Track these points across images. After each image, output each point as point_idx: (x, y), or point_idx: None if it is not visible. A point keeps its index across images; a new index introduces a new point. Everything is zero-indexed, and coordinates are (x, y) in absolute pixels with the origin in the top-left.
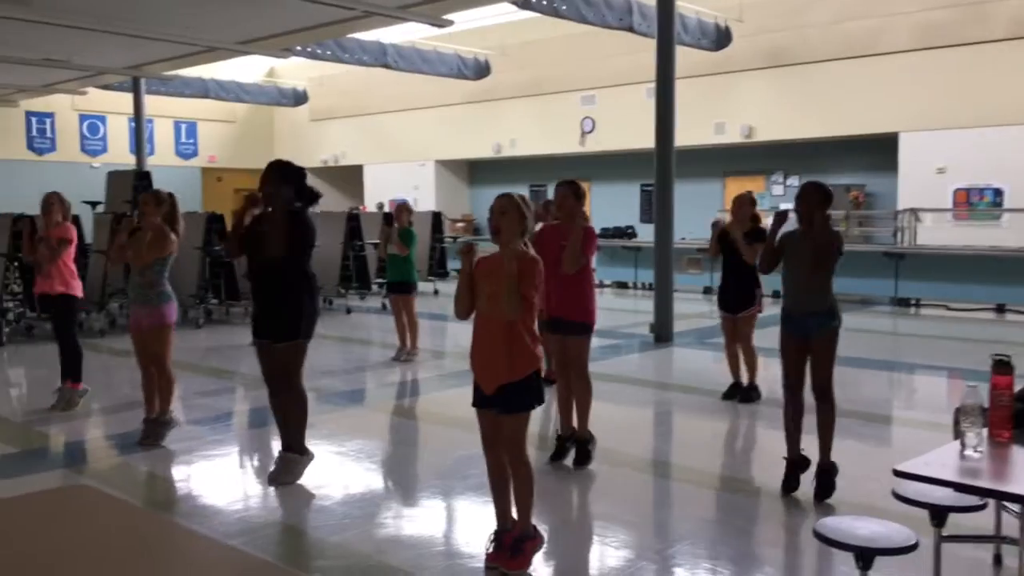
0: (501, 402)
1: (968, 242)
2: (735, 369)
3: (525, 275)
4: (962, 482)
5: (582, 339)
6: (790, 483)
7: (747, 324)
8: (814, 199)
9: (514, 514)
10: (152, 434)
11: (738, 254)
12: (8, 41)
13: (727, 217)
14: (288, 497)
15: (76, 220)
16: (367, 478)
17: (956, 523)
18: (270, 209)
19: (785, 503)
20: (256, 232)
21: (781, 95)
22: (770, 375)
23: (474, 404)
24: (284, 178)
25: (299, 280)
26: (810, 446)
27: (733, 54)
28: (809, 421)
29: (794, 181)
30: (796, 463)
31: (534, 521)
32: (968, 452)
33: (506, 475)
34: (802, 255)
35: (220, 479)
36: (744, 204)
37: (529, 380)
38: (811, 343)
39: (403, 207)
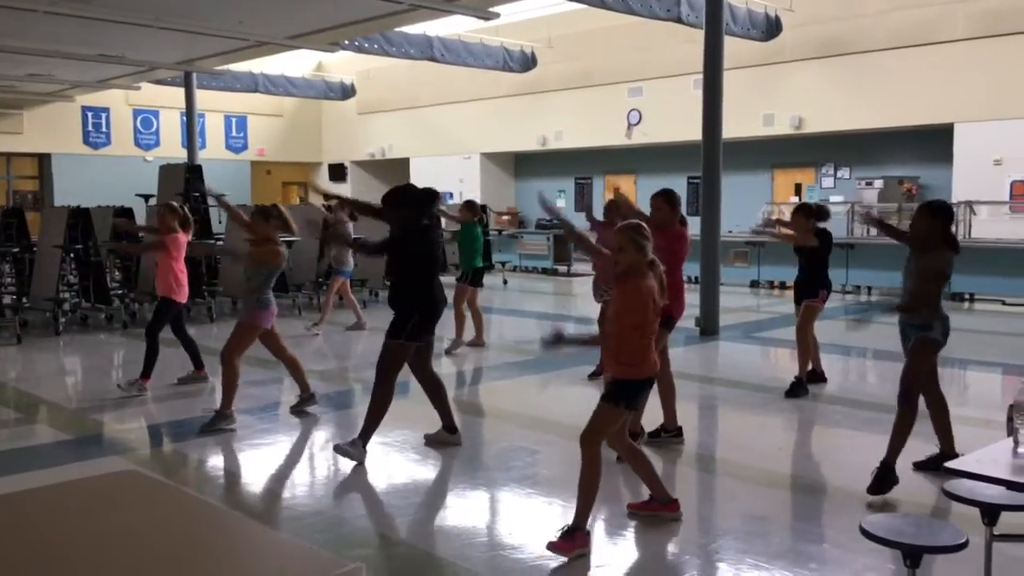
0: (606, 389)
1: None
2: (813, 360)
3: (625, 292)
4: (1015, 480)
5: (662, 331)
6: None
7: (805, 314)
8: (927, 219)
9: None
10: (207, 424)
11: (801, 254)
12: (65, 38)
13: (766, 207)
14: (333, 486)
15: (129, 213)
16: (412, 468)
17: (1008, 522)
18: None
19: (832, 499)
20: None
21: (832, 85)
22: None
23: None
24: (413, 203)
25: (414, 289)
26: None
27: (783, 44)
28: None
29: (844, 173)
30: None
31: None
32: (1022, 450)
33: (636, 453)
34: (910, 273)
35: (268, 468)
36: (797, 214)
37: (629, 384)
38: (907, 347)
39: (467, 204)
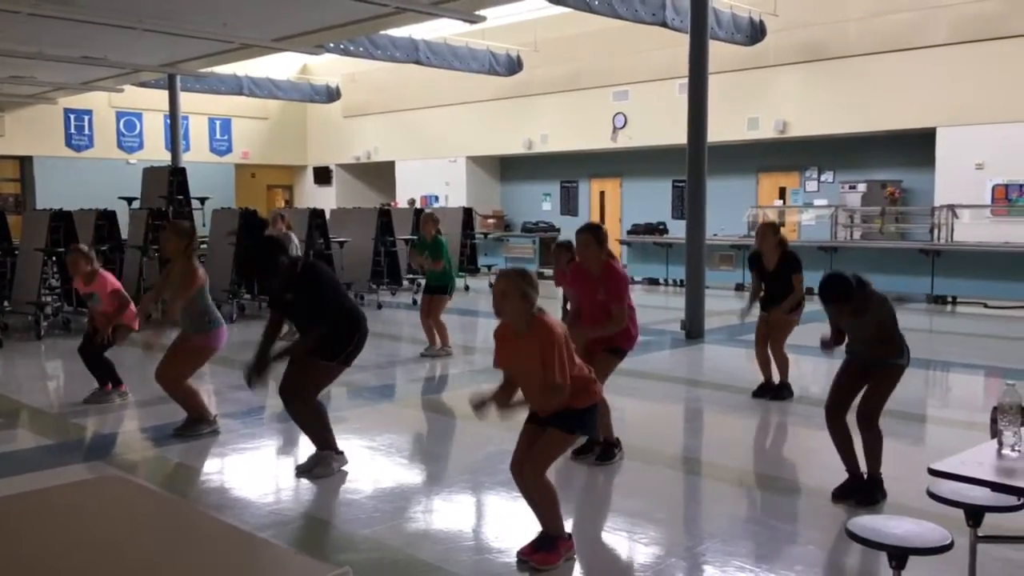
0: (555, 420)
1: (1006, 239)
2: (766, 369)
3: (545, 351)
4: (999, 481)
5: (610, 357)
6: (846, 492)
7: (782, 328)
8: (844, 302)
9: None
10: (182, 427)
11: (774, 282)
12: (48, 40)
13: (750, 210)
14: (318, 491)
15: (112, 216)
16: (397, 472)
17: (992, 523)
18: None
19: (817, 502)
20: (284, 302)
21: (816, 90)
22: (803, 372)
23: (528, 420)
24: (260, 264)
25: (339, 320)
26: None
27: (767, 48)
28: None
29: (828, 177)
30: (858, 478)
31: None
32: (1005, 451)
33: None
34: (861, 327)
35: (251, 472)
36: (767, 235)
37: (586, 412)
38: (871, 374)
39: (429, 218)
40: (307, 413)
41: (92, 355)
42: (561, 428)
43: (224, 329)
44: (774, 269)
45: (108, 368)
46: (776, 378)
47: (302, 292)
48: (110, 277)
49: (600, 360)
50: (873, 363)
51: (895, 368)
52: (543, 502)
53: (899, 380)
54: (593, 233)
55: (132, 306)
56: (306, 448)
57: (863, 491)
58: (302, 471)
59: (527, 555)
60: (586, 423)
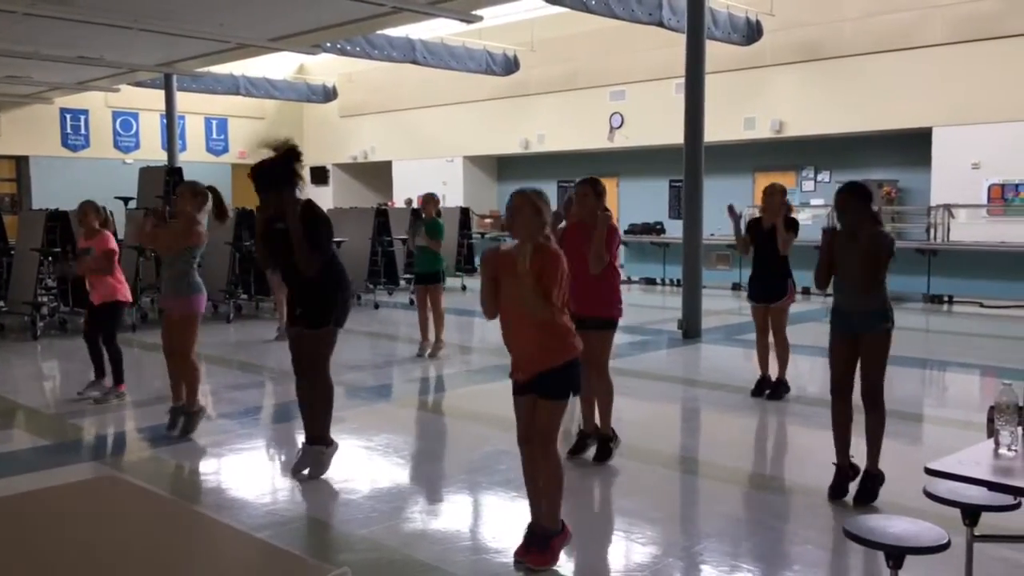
0: (539, 387)
1: (1003, 238)
2: (764, 362)
3: (545, 271)
4: (996, 481)
5: (603, 334)
6: (837, 490)
7: (780, 315)
8: (854, 201)
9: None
10: (182, 427)
11: (769, 244)
12: (44, 39)
13: (747, 210)
14: (315, 491)
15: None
16: (394, 472)
17: (989, 523)
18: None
19: (814, 501)
20: (274, 232)
21: (812, 89)
22: (800, 371)
23: (515, 392)
24: (273, 178)
25: (326, 271)
26: (857, 450)
27: (764, 48)
28: (858, 423)
29: (825, 177)
30: (845, 470)
31: (562, 517)
32: (1002, 451)
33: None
34: (852, 256)
35: (248, 472)
36: (775, 194)
37: (567, 368)
38: (861, 343)
39: (430, 198)
40: (325, 388)
41: (93, 342)
42: (549, 397)
43: (203, 296)
44: (769, 229)
45: (118, 362)
46: (773, 374)
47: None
48: (111, 239)
49: (595, 341)
50: (857, 324)
51: (882, 334)
52: (552, 484)
53: (889, 346)
54: (592, 185)
55: (117, 273)
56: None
57: (862, 485)
58: (296, 471)
59: (521, 556)
60: (571, 379)
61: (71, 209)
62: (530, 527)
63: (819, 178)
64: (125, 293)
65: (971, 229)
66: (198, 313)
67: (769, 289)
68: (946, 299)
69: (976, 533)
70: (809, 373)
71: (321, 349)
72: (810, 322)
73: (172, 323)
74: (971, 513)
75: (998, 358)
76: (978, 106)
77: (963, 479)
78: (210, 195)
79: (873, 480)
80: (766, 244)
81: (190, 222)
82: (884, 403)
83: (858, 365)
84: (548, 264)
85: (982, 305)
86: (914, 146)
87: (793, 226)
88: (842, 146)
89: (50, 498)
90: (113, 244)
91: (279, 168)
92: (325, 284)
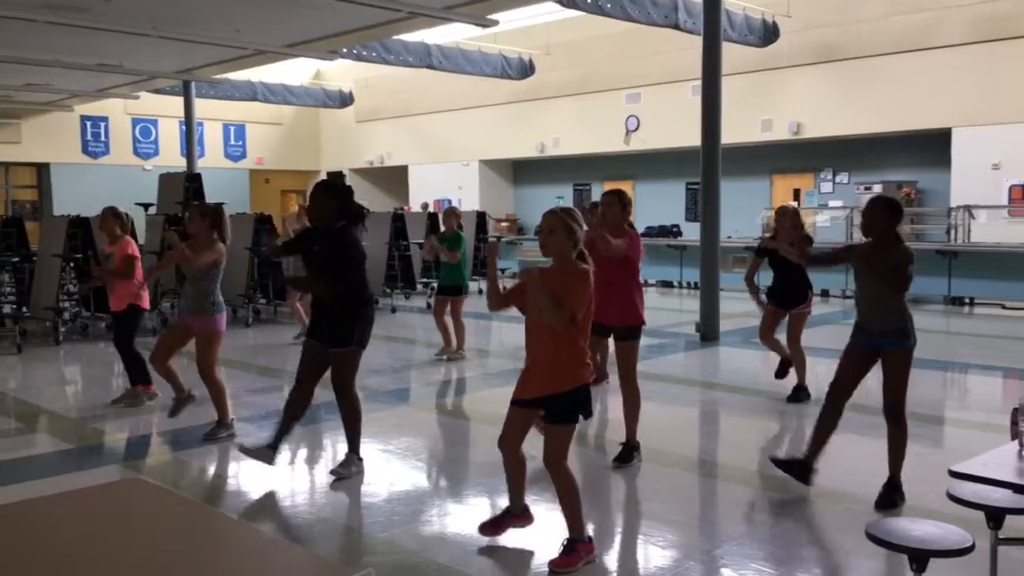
0: (549, 411)
1: None
2: (781, 351)
3: (572, 289)
4: (1020, 483)
5: (628, 343)
6: (787, 466)
7: (798, 322)
8: (884, 215)
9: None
10: (208, 435)
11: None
12: (63, 47)
13: (766, 213)
14: (335, 494)
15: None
16: (414, 476)
17: (1013, 526)
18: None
19: (836, 504)
20: (308, 249)
21: (830, 91)
22: (819, 374)
23: (513, 402)
24: (330, 196)
25: (351, 293)
26: (875, 458)
27: (781, 50)
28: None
29: (843, 178)
30: (810, 467)
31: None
32: None
33: (522, 466)
34: (875, 272)
35: (270, 476)
36: (785, 215)
37: (576, 393)
38: (884, 360)
39: (451, 212)
40: (353, 408)
41: (124, 347)
42: (557, 422)
43: (224, 315)
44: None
45: (139, 365)
46: (795, 378)
47: (327, 246)
48: (131, 245)
49: (621, 351)
50: (879, 341)
51: (904, 351)
52: (567, 498)
53: (911, 364)
54: (618, 196)
55: (136, 279)
56: (322, 450)
57: (886, 494)
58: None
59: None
60: (580, 403)
61: (92, 215)
62: (506, 511)
63: (837, 180)
64: (144, 299)
65: (992, 230)
66: (220, 332)
67: (789, 295)
68: (967, 301)
69: (1000, 536)
70: (827, 376)
71: (346, 372)
72: (827, 325)
73: (188, 335)
74: (995, 516)
75: (1020, 360)
76: (998, 106)
77: (987, 481)
78: (217, 215)
79: (896, 489)
80: (783, 257)
81: (210, 240)
82: (905, 421)
83: (862, 378)
84: (574, 282)
85: (1004, 307)
86: (933, 147)
87: (807, 240)
88: (861, 147)
89: (75, 502)
90: (134, 250)
91: (351, 204)
92: (349, 301)
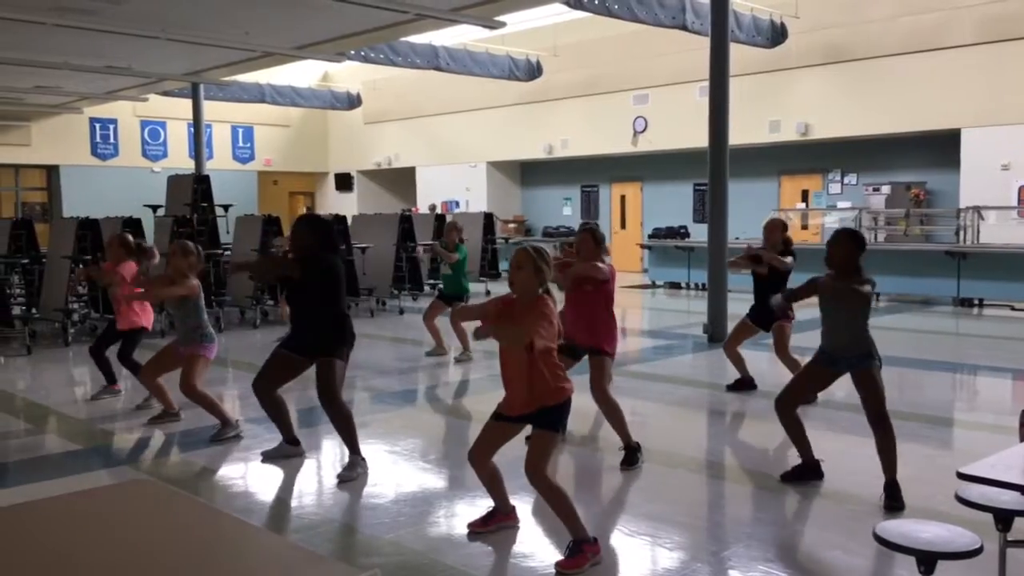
0: (537, 421)
1: None
2: (739, 366)
3: (530, 314)
4: None
5: (599, 359)
6: (797, 474)
7: (781, 333)
8: (848, 247)
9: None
10: (215, 436)
11: (767, 276)
12: (72, 50)
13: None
14: (341, 495)
15: (137, 224)
16: (420, 477)
17: (1022, 528)
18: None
19: (843, 506)
20: (293, 283)
21: (839, 91)
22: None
23: (494, 416)
24: (313, 231)
25: (335, 308)
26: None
27: (788, 51)
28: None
29: (852, 179)
30: (810, 463)
31: (591, 521)
32: None
33: (496, 475)
34: (839, 301)
35: (276, 477)
36: (775, 229)
37: (565, 405)
38: (855, 380)
39: (452, 227)
40: (341, 418)
41: (124, 360)
42: (545, 427)
43: (214, 345)
44: (770, 268)
45: (106, 365)
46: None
47: (307, 272)
48: (130, 267)
49: (594, 366)
50: (846, 365)
51: (871, 368)
52: (554, 504)
53: (880, 376)
54: (591, 233)
55: (147, 299)
56: (328, 451)
57: (890, 496)
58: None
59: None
60: (565, 415)
61: (101, 217)
62: (494, 508)
63: (846, 181)
64: (148, 319)
65: (1001, 231)
66: (207, 357)
67: (768, 316)
68: (976, 302)
69: (1009, 539)
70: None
71: (331, 383)
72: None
73: (177, 355)
74: (1004, 518)
75: None
76: (1007, 107)
77: (996, 483)
78: (196, 254)
79: (897, 488)
80: (765, 277)
81: (181, 276)
82: (890, 424)
83: (820, 391)
84: (538, 311)
85: (1013, 308)
86: (942, 148)
87: (790, 251)
88: (869, 148)
89: (83, 502)
90: (130, 271)
91: (332, 237)
92: (334, 316)
